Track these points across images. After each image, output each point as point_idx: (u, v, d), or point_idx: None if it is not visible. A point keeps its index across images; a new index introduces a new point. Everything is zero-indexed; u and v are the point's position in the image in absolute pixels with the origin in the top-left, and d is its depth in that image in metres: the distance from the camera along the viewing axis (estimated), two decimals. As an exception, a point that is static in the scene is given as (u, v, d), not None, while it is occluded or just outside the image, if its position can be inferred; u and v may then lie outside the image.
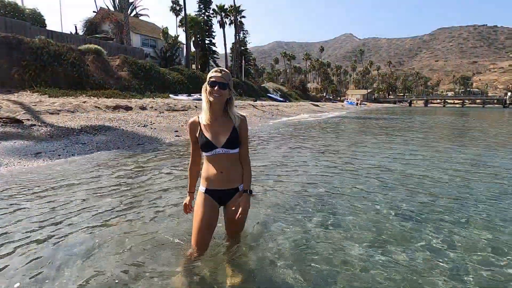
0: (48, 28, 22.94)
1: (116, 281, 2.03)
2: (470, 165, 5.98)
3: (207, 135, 2.02)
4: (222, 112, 2.06)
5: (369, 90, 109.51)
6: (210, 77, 1.99)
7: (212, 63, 49.91)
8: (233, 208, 2.09)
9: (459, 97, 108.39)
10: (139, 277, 2.07)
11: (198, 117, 2.10)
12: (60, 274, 2.09)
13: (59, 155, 6.05)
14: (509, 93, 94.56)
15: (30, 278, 2.04)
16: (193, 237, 2.14)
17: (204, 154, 2.08)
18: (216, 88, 1.96)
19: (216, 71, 2.01)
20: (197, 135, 2.06)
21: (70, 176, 4.61)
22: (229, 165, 2.06)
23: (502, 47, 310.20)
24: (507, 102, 79.92)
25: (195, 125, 2.08)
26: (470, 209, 3.55)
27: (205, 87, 2.02)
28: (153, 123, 11.73)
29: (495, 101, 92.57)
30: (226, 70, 2.04)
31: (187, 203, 2.27)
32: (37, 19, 23.11)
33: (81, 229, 2.80)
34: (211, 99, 1.98)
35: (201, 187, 2.14)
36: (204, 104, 2.02)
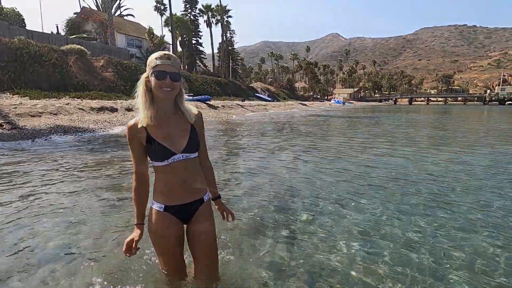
0: (28, 28, 22.23)
1: None
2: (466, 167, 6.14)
3: (161, 141, 1.54)
4: (174, 109, 1.61)
5: (355, 89, 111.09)
6: (155, 66, 1.48)
7: (199, 63, 49.60)
8: (225, 217, 1.85)
9: (442, 95, 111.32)
10: None
11: (139, 119, 1.55)
12: None
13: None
14: (488, 91, 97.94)
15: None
16: (165, 263, 1.72)
17: (157, 164, 1.58)
18: (167, 80, 1.48)
19: (162, 57, 1.49)
20: (143, 143, 1.55)
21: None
22: (191, 173, 1.63)
23: (481, 46, 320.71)
24: (487, 99, 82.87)
25: (138, 131, 1.54)
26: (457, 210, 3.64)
27: (146, 79, 1.52)
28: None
29: (476, 98, 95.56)
30: (173, 54, 1.54)
31: (136, 239, 1.58)
32: (15, 18, 22.40)
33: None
34: (161, 95, 1.50)
35: (157, 205, 1.64)
36: (145, 102, 1.52)
